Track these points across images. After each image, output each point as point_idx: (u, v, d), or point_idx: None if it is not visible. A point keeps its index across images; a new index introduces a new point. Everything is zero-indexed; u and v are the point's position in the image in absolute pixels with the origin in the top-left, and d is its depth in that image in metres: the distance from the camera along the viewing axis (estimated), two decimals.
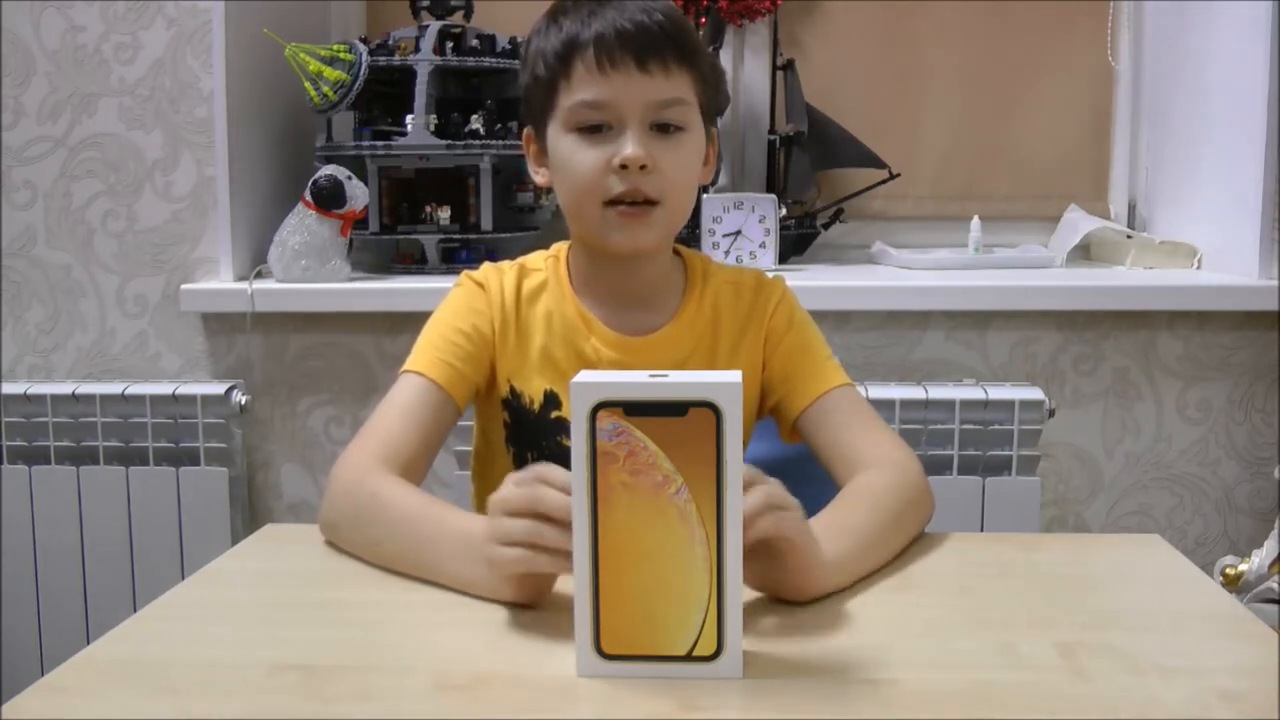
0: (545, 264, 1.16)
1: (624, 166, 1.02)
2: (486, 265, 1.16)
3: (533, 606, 0.84)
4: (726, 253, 1.93)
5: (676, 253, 1.17)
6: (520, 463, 1.15)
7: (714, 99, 1.11)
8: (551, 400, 1.12)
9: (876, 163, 2.06)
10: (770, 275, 1.19)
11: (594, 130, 1.04)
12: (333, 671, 0.75)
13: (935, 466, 1.79)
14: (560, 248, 1.17)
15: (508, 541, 0.80)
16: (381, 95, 1.98)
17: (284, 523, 1.71)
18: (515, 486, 0.80)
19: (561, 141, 1.06)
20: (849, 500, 1.00)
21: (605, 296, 1.13)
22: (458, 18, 1.98)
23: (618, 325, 1.13)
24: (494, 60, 1.95)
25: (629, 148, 1.02)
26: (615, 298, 1.13)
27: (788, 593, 0.85)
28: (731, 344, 1.15)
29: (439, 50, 1.91)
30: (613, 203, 1.04)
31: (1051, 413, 1.81)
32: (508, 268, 1.16)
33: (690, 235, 1.96)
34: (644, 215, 1.05)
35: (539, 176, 1.12)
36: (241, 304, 1.88)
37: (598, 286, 1.13)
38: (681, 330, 1.13)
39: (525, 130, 1.14)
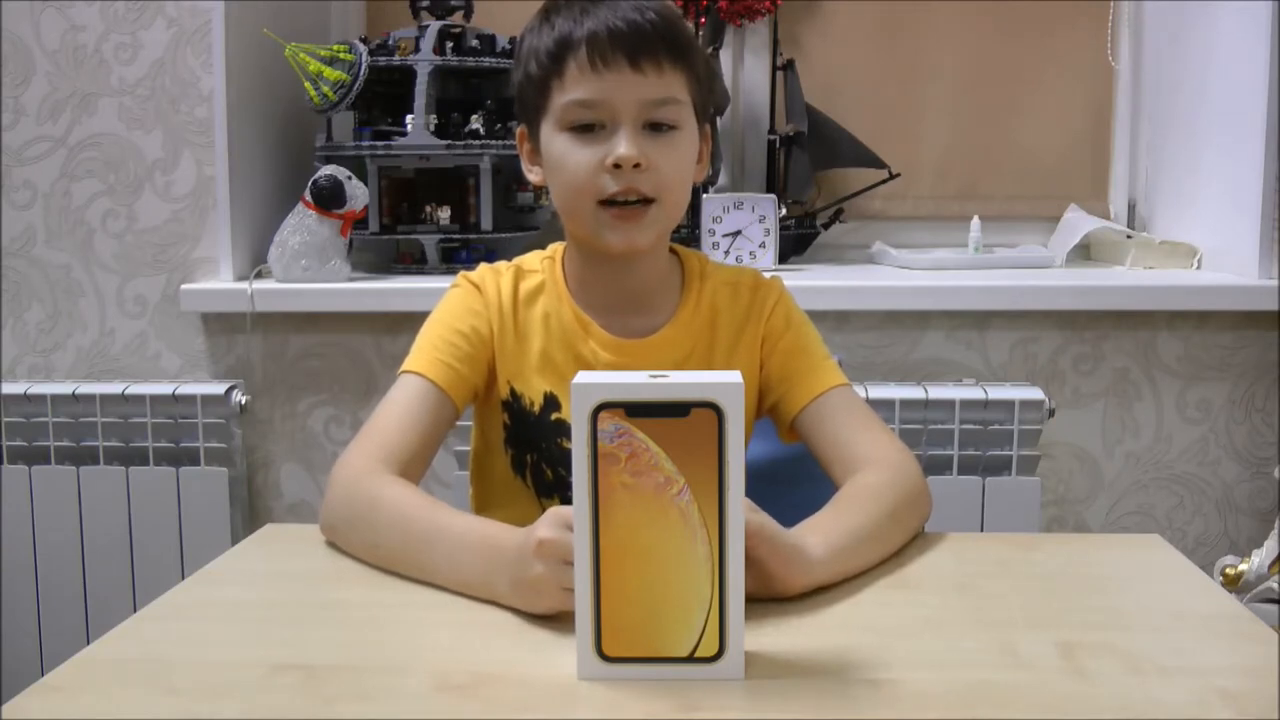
0: (541, 265, 1.16)
1: (618, 166, 1.02)
2: (483, 266, 1.16)
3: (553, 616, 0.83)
4: (726, 253, 1.93)
5: (673, 252, 1.17)
6: (519, 465, 1.15)
7: (707, 98, 1.10)
8: (552, 402, 1.12)
9: (876, 163, 2.06)
10: (767, 275, 1.18)
11: (587, 129, 1.04)
12: (332, 671, 0.75)
13: (935, 466, 1.79)
14: (556, 249, 1.17)
15: (563, 587, 0.79)
16: (381, 95, 1.98)
17: (284, 523, 1.71)
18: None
19: (555, 141, 1.06)
20: (845, 498, 1.00)
21: (601, 298, 1.13)
22: (458, 18, 1.98)
23: (615, 328, 1.12)
24: (494, 60, 1.95)
25: (622, 147, 1.02)
26: (611, 300, 1.13)
27: (775, 589, 0.85)
28: (729, 344, 1.14)
29: (439, 50, 1.91)
30: (607, 202, 1.04)
31: (1051, 413, 1.81)
32: (504, 269, 1.16)
33: (690, 235, 1.96)
34: (639, 215, 1.04)
35: (532, 175, 1.12)
36: (241, 304, 1.88)
37: (594, 288, 1.13)
38: (679, 332, 1.13)
39: (518, 128, 1.14)
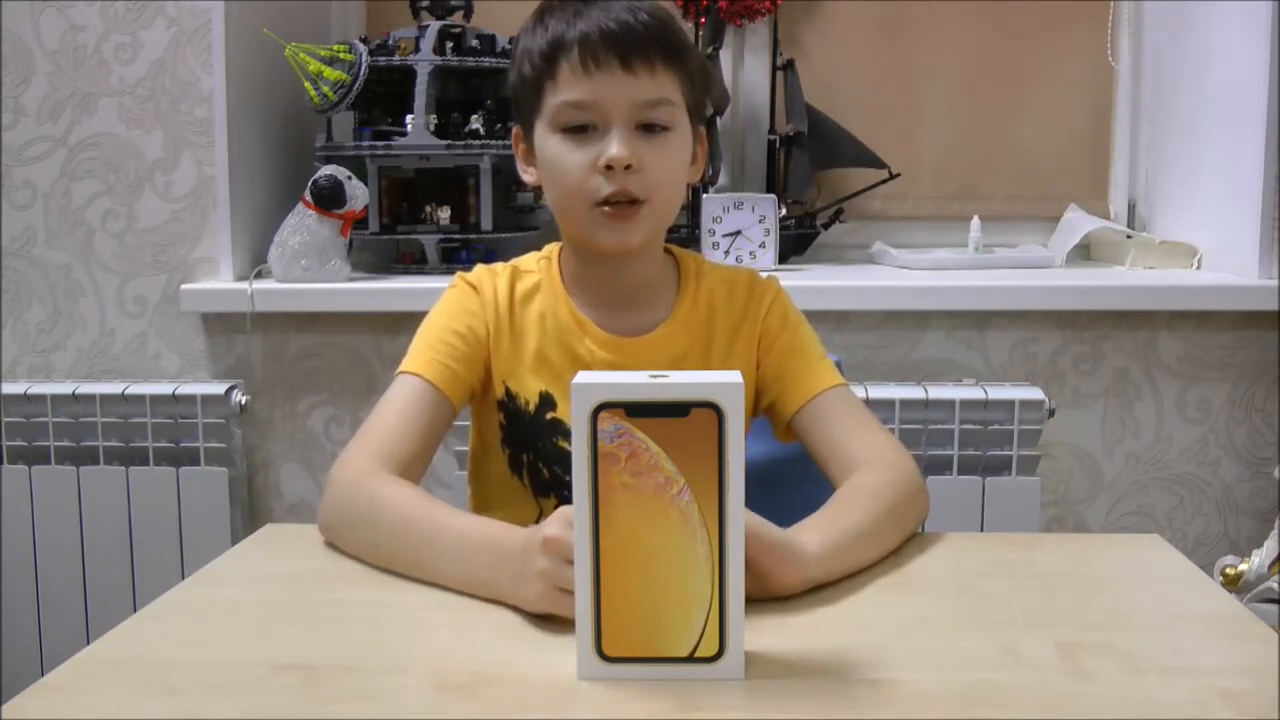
0: (538, 266, 1.16)
1: (609, 167, 1.02)
2: (480, 267, 1.17)
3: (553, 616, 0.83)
4: (726, 253, 1.93)
5: (669, 252, 1.17)
6: (516, 464, 1.15)
7: (701, 99, 1.11)
8: (547, 401, 1.12)
9: (876, 163, 2.06)
10: (764, 275, 1.19)
11: (580, 130, 1.04)
12: (332, 671, 0.75)
13: (935, 466, 1.79)
14: (552, 249, 1.17)
15: (563, 587, 0.79)
16: (381, 95, 1.98)
17: (284, 523, 1.71)
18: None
19: (548, 142, 1.06)
20: (842, 498, 1.00)
21: (597, 297, 1.13)
22: (458, 18, 1.98)
23: (611, 326, 1.13)
24: (494, 60, 1.95)
25: (613, 148, 1.02)
26: (607, 298, 1.13)
27: (771, 587, 0.85)
28: (725, 343, 1.15)
29: (439, 50, 1.92)
30: (600, 203, 1.04)
31: (1051, 413, 1.81)
32: (501, 269, 1.16)
33: (690, 235, 1.96)
34: (631, 215, 1.05)
35: (527, 176, 1.13)
36: (241, 304, 1.88)
37: (590, 287, 1.13)
38: (675, 330, 1.13)
39: (514, 129, 1.14)
